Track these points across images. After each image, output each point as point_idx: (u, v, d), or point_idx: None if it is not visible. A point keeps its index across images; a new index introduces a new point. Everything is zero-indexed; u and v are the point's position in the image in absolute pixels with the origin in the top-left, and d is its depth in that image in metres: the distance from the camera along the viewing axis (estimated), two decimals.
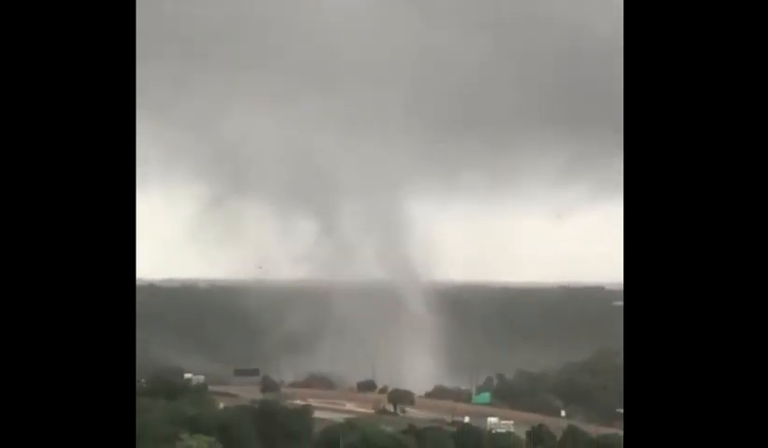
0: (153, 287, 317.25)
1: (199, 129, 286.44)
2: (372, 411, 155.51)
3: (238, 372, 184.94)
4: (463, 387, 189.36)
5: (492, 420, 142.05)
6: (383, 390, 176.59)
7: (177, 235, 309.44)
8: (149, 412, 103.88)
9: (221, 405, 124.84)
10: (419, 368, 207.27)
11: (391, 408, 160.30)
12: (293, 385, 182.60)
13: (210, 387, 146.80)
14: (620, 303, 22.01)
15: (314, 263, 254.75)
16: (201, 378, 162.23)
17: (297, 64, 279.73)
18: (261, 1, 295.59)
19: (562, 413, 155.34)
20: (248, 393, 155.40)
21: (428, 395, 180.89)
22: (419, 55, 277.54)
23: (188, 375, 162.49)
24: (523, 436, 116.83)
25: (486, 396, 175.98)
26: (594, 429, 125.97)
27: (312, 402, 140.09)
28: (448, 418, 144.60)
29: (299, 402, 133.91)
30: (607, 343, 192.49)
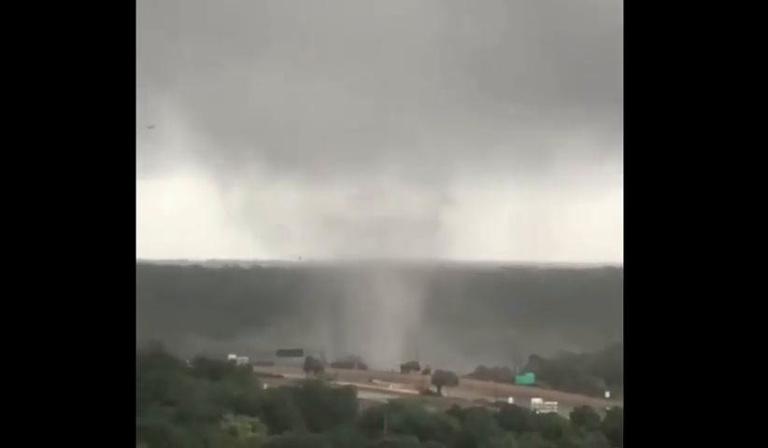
0: (198, 269, 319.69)
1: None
2: (416, 392, 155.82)
3: (281, 353, 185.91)
4: (506, 368, 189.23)
5: (536, 401, 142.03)
6: (426, 371, 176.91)
7: (220, 218, 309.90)
8: (193, 392, 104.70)
9: (265, 386, 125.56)
10: (461, 349, 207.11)
11: (434, 389, 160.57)
12: (336, 365, 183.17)
13: (255, 368, 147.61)
14: None
15: (353, 244, 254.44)
16: (245, 359, 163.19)
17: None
18: None
19: (606, 394, 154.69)
20: (292, 373, 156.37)
21: (471, 376, 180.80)
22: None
23: (232, 356, 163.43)
24: (567, 417, 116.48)
25: (530, 376, 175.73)
26: None
27: (355, 383, 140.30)
28: (492, 399, 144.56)
29: (342, 383, 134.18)
30: None
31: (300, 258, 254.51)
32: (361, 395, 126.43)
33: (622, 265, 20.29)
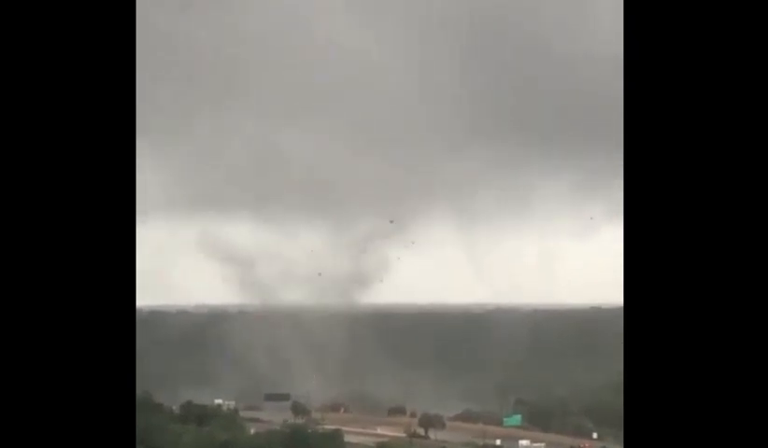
0: (185, 314, 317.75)
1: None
2: (403, 435, 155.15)
3: (269, 397, 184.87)
4: (493, 410, 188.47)
5: (524, 443, 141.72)
6: (413, 414, 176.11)
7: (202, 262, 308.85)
8: (181, 437, 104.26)
9: (252, 430, 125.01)
10: (447, 391, 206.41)
11: (421, 431, 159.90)
12: (323, 408, 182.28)
13: (241, 413, 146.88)
14: None
15: (326, 289, 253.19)
16: (232, 403, 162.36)
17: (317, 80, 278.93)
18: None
19: (594, 435, 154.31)
20: (279, 417, 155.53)
21: (458, 418, 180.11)
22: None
23: (218, 401, 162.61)
24: None
25: (517, 418, 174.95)
26: None
27: (342, 427, 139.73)
28: (480, 441, 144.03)
29: (329, 427, 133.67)
30: None
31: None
32: (348, 438, 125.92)
33: (609, 306, 20.41)
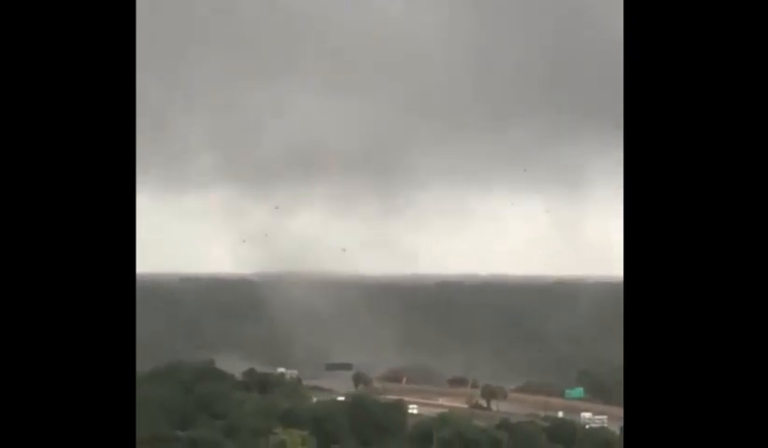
0: (245, 282, 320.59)
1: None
2: (465, 405, 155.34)
3: (330, 367, 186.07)
4: (555, 382, 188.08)
5: (586, 415, 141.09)
6: (475, 385, 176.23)
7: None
8: (243, 405, 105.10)
9: (315, 399, 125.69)
10: (510, 363, 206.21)
11: (483, 403, 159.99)
12: (385, 378, 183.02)
13: (304, 381, 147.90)
14: None
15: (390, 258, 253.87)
16: (294, 372, 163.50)
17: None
18: None
19: None
20: (341, 387, 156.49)
21: (520, 389, 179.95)
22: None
23: (281, 369, 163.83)
24: (617, 431, 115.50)
25: (579, 391, 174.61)
26: None
27: (404, 397, 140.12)
28: (542, 413, 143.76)
29: (391, 397, 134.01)
30: None
31: (344, 249, 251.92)
32: (409, 409, 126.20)
33: None
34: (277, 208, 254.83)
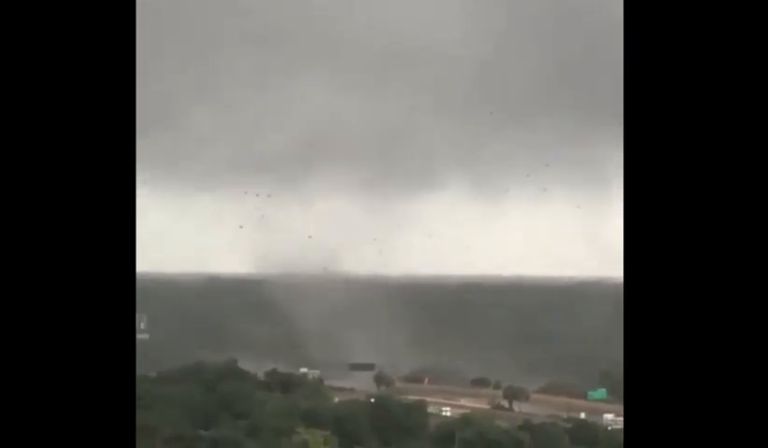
0: (265, 282, 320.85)
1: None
2: (487, 406, 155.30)
3: (353, 367, 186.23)
4: (577, 383, 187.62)
5: (609, 416, 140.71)
6: (497, 386, 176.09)
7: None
8: (265, 405, 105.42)
9: (336, 399, 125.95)
10: (532, 364, 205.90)
11: (505, 404, 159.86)
12: (407, 379, 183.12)
13: (326, 382, 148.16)
14: None
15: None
16: (317, 372, 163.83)
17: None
18: None
19: None
20: (363, 387, 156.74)
21: (542, 390, 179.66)
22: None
23: (303, 369, 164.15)
24: None
25: (602, 392, 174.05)
26: None
27: (426, 398, 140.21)
28: (564, 414, 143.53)
29: (413, 397, 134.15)
30: None
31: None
32: (432, 409, 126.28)
33: None
34: (269, 196, 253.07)
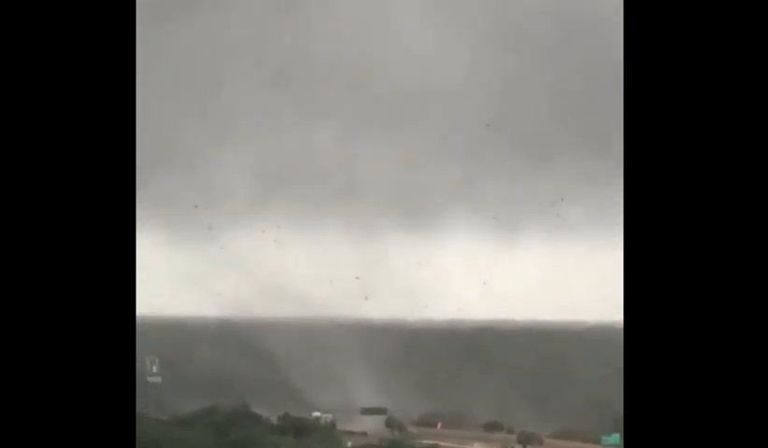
0: (278, 323, 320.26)
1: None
2: None
3: (365, 411, 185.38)
4: (591, 428, 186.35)
5: None
6: (510, 430, 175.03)
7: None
8: None
9: (349, 444, 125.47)
10: (545, 408, 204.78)
11: None
12: (420, 422, 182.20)
13: (339, 426, 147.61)
14: None
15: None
16: (329, 416, 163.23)
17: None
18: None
19: None
20: (375, 431, 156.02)
21: (555, 435, 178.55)
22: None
23: (316, 413, 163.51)
24: None
25: (615, 437, 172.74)
26: None
27: (439, 442, 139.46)
28: None
29: (426, 442, 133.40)
30: None
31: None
32: None
33: None
34: (276, 241, 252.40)
